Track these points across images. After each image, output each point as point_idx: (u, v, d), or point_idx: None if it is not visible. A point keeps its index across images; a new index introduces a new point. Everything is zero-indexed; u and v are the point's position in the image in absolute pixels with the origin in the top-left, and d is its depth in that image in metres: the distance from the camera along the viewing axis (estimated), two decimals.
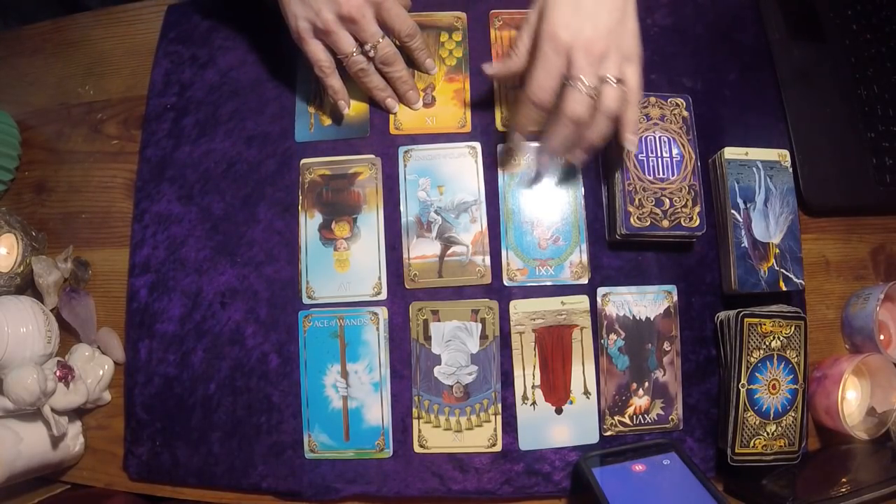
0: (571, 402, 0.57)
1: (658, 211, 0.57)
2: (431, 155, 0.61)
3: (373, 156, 0.62)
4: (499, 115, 0.62)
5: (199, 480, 0.58)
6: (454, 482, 0.56)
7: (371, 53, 0.56)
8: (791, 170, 0.59)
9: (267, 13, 0.59)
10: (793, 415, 0.55)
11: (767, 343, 0.55)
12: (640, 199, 0.57)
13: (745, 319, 0.54)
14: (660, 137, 0.58)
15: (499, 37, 0.64)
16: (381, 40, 0.56)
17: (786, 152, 0.59)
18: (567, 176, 0.61)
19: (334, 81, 0.59)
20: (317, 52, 0.57)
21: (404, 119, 0.62)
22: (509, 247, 0.59)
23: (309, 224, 0.60)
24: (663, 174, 0.58)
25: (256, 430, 0.57)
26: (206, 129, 0.64)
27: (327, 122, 0.63)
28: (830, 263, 0.63)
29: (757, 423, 0.54)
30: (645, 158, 0.58)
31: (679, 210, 0.57)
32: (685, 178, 0.58)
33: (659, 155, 0.58)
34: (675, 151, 0.58)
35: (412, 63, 0.62)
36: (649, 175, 0.57)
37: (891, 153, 0.63)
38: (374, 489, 0.56)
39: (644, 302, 0.59)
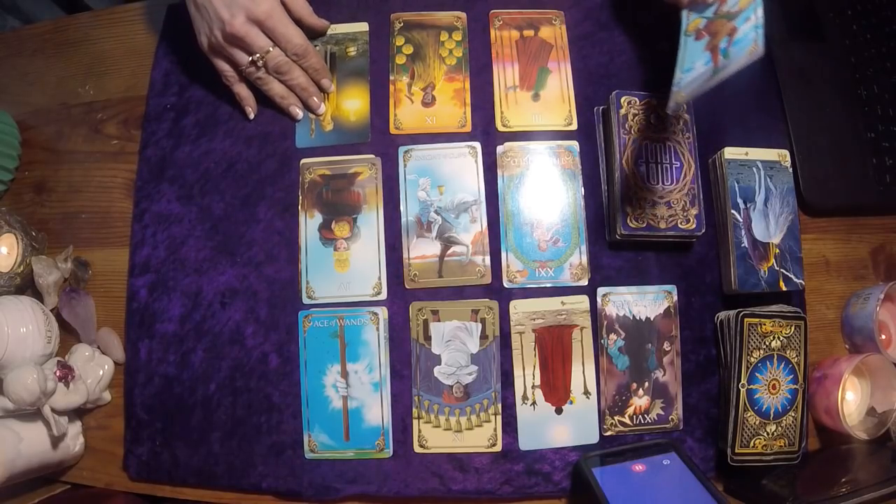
0: (571, 402, 0.57)
1: (656, 213, 0.57)
2: (431, 155, 0.61)
3: (373, 156, 0.62)
4: (499, 115, 0.62)
5: (199, 480, 0.58)
6: (454, 482, 0.56)
7: (259, 64, 0.58)
8: (791, 170, 0.59)
9: None
10: (793, 415, 0.55)
11: (767, 343, 0.55)
12: (638, 201, 0.57)
13: (745, 319, 0.54)
14: (660, 146, 0.58)
15: (499, 37, 0.64)
16: (270, 50, 0.58)
17: (786, 152, 0.59)
18: (567, 176, 0.61)
19: (239, 89, 0.62)
20: (219, 63, 0.61)
21: (404, 119, 0.62)
22: (509, 248, 0.59)
23: (309, 224, 0.60)
24: (663, 182, 0.57)
25: (256, 430, 0.57)
26: (205, 129, 0.64)
27: (328, 127, 0.63)
28: (830, 263, 0.63)
29: (757, 423, 0.54)
30: (645, 165, 0.57)
31: (677, 212, 0.57)
32: (684, 186, 0.57)
33: (659, 161, 0.58)
34: (675, 159, 0.58)
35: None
36: (649, 182, 0.57)
37: (891, 153, 0.63)
38: (374, 489, 0.56)
39: (644, 302, 0.59)
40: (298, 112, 0.63)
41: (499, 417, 0.57)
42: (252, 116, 0.63)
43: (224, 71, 0.60)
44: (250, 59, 0.58)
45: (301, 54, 0.60)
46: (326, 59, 0.64)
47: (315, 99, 0.62)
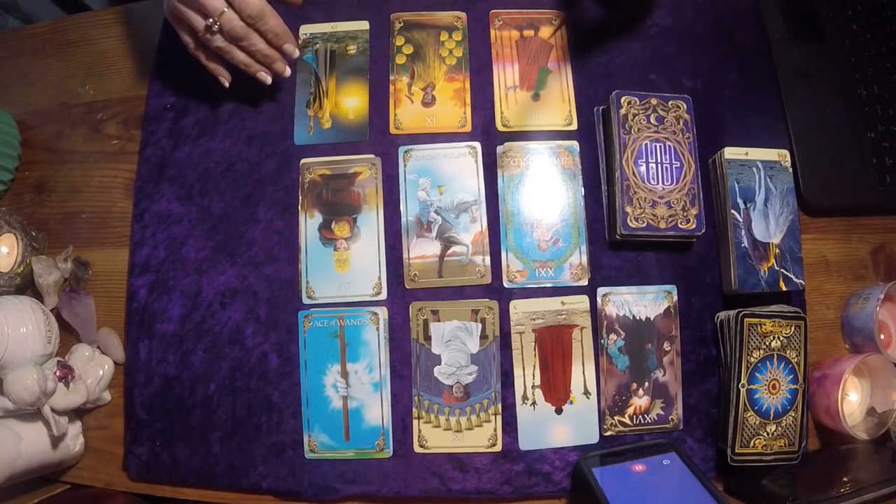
0: (571, 402, 0.57)
1: (656, 213, 0.57)
2: (431, 155, 0.61)
3: (373, 156, 0.62)
4: (499, 114, 0.62)
5: (199, 480, 0.58)
6: (454, 482, 0.56)
7: (215, 29, 0.55)
8: (791, 170, 0.59)
9: None
10: (793, 415, 0.55)
11: (767, 343, 0.55)
12: (638, 201, 0.57)
13: (745, 319, 0.54)
14: (660, 146, 0.58)
15: (499, 37, 0.64)
16: (224, 11, 0.54)
17: (786, 152, 0.59)
18: (567, 176, 0.61)
19: (204, 60, 0.60)
20: (181, 35, 0.58)
21: (404, 119, 0.62)
22: (509, 248, 0.59)
23: (309, 224, 0.60)
24: (663, 182, 0.57)
25: (256, 430, 0.57)
26: (205, 129, 0.64)
27: (327, 124, 0.63)
28: (830, 263, 0.63)
29: (757, 423, 0.54)
30: (645, 164, 0.57)
31: (677, 212, 0.57)
32: (684, 186, 0.57)
33: (659, 161, 0.58)
34: (675, 159, 0.58)
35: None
36: (649, 182, 0.57)
37: (891, 153, 0.63)
38: (374, 489, 0.56)
39: (644, 302, 0.59)
40: (267, 78, 0.60)
41: (499, 417, 0.57)
42: (227, 84, 0.61)
43: (188, 43, 0.58)
44: (205, 23, 0.55)
45: (257, 16, 0.56)
46: (326, 56, 0.65)
47: (280, 64, 0.60)
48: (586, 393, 0.57)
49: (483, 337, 0.58)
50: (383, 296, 0.59)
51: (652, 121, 0.58)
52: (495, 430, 0.57)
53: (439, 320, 0.58)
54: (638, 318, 0.58)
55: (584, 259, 0.59)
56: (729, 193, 0.58)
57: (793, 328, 0.55)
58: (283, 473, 0.57)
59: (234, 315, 0.59)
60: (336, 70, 0.64)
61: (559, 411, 0.57)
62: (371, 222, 0.60)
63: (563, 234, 0.59)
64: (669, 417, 0.57)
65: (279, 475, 0.57)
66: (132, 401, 0.59)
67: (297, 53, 0.61)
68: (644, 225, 0.56)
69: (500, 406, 0.57)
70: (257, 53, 0.59)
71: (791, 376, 0.55)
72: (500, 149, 0.61)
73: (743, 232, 0.57)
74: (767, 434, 0.54)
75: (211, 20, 0.55)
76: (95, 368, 0.60)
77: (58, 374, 0.55)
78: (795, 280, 0.57)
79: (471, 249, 0.59)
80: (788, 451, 0.55)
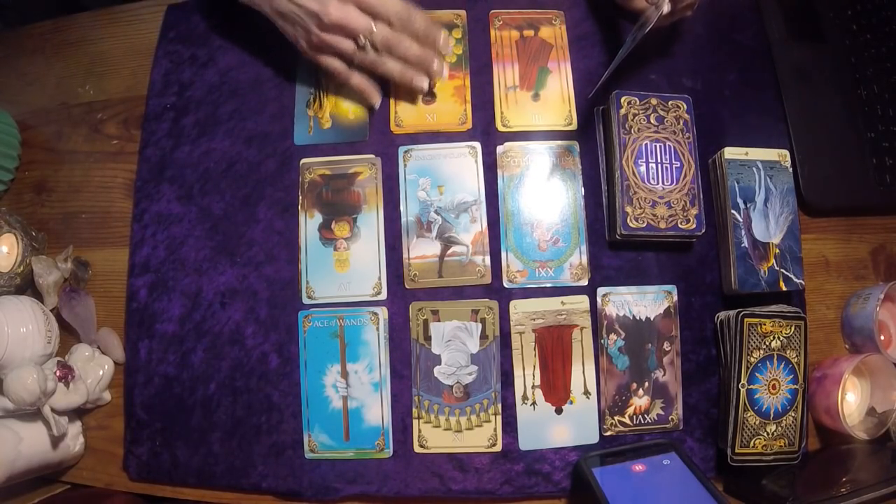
0: (571, 402, 0.57)
1: (656, 213, 0.57)
2: (431, 155, 0.61)
3: (373, 156, 0.62)
4: (499, 114, 0.62)
5: (199, 480, 0.58)
6: (454, 482, 0.56)
7: (367, 47, 0.55)
8: (791, 170, 0.59)
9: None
10: (793, 415, 0.55)
11: (767, 343, 0.55)
12: (638, 201, 0.57)
13: (745, 319, 0.54)
14: (660, 146, 0.58)
15: (499, 37, 0.64)
16: (374, 29, 0.54)
17: (786, 152, 0.59)
18: (567, 176, 0.61)
19: (357, 81, 0.60)
20: (327, 62, 0.58)
21: (405, 116, 0.62)
22: (509, 248, 0.59)
23: (309, 224, 0.60)
24: (663, 182, 0.57)
25: (256, 430, 0.57)
26: (205, 129, 0.64)
27: (327, 124, 0.63)
28: (830, 263, 0.63)
29: (757, 423, 0.54)
30: (645, 164, 0.57)
31: (677, 212, 0.57)
32: (684, 186, 0.57)
33: (659, 161, 0.58)
34: (675, 159, 0.58)
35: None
36: (649, 182, 0.57)
37: (891, 153, 0.63)
38: (374, 489, 0.56)
39: (644, 302, 0.59)
40: (423, 82, 0.59)
41: (499, 417, 0.57)
42: (378, 105, 0.61)
43: (336, 69, 0.58)
44: (356, 44, 0.55)
45: (406, 19, 0.55)
46: None
47: (435, 65, 0.59)
48: (586, 393, 0.57)
49: (483, 337, 0.58)
50: (383, 296, 0.59)
51: (652, 121, 0.58)
52: (495, 430, 0.57)
53: (439, 320, 0.58)
54: (638, 318, 0.58)
55: (584, 259, 0.59)
56: (729, 193, 0.58)
57: (793, 328, 0.55)
58: (283, 473, 0.57)
59: (234, 315, 0.59)
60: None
61: (559, 411, 0.57)
62: (371, 222, 0.60)
63: (563, 234, 0.59)
64: (669, 417, 0.57)
65: (279, 475, 0.57)
66: (132, 401, 0.59)
67: (449, 49, 0.59)
68: (644, 225, 0.56)
69: (500, 406, 0.57)
70: (411, 58, 0.58)
71: (791, 376, 0.55)
72: (500, 149, 0.61)
73: (743, 232, 0.57)
74: (767, 434, 0.54)
75: (362, 40, 0.55)
76: (95, 368, 0.60)
77: (58, 374, 0.55)
78: (795, 280, 0.57)
79: (471, 249, 0.59)
80: (788, 451, 0.55)
